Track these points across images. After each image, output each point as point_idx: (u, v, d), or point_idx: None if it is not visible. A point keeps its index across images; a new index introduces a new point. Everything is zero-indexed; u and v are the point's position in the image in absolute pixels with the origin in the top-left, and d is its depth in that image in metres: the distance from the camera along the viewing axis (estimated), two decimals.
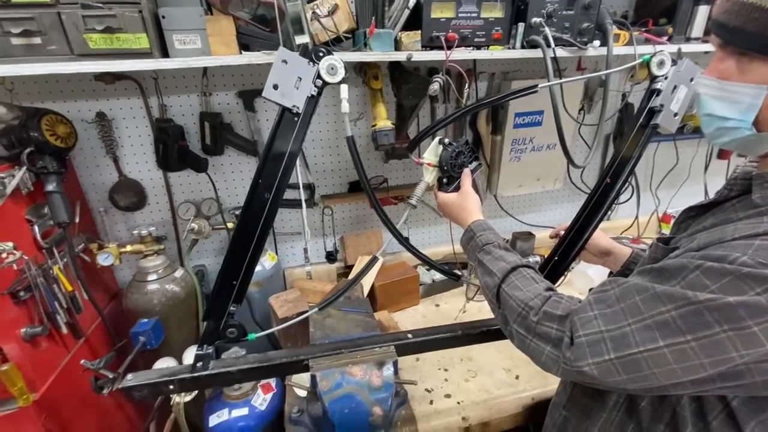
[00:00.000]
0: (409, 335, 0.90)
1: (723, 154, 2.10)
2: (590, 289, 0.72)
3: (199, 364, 0.82)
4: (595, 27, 1.27)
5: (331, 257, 1.59)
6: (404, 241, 0.92)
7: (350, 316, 1.11)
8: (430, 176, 0.98)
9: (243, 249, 0.81)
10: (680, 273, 0.55)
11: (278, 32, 1.04)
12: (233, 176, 1.53)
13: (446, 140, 0.95)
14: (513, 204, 1.92)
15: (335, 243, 1.62)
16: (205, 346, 0.87)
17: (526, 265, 0.77)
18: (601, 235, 1.02)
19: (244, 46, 1.13)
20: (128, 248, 1.34)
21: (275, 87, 0.75)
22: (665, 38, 1.42)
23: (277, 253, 1.64)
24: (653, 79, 0.93)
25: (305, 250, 1.69)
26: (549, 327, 0.65)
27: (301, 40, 1.03)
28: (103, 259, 1.28)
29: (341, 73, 0.79)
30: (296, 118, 0.78)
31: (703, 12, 1.40)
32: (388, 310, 1.50)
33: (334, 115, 1.54)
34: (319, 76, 0.78)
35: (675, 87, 0.92)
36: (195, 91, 1.38)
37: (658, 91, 0.92)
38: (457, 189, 0.96)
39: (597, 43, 1.28)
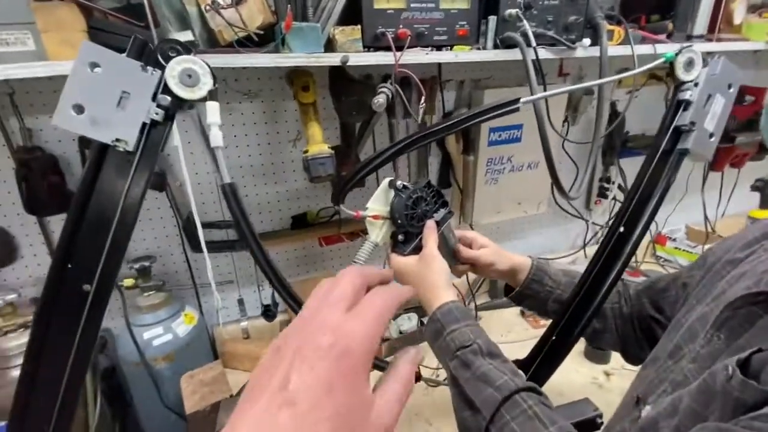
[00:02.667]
0: None
1: (716, 165, 1.88)
2: None
3: None
4: (584, 21, 1.01)
5: (268, 312, 1.27)
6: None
7: None
8: (377, 233, 0.71)
9: (50, 381, 0.48)
10: None
11: (151, 28, 0.73)
12: None
13: (399, 182, 0.69)
14: (491, 232, 1.64)
15: (274, 294, 1.30)
16: None
17: (527, 388, 0.48)
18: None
19: (117, 49, 0.81)
20: None
21: (78, 109, 0.43)
22: (664, 36, 1.18)
23: (201, 310, 1.30)
24: (678, 86, 0.67)
25: (240, 301, 1.37)
26: None
27: (182, 38, 0.72)
28: None
29: (206, 84, 0.48)
30: (131, 158, 0.47)
31: (706, 5, 1.17)
32: None
33: (267, 135, 1.23)
34: (166, 89, 0.47)
35: (709, 96, 0.66)
36: None
37: (687, 103, 0.65)
38: (417, 249, 0.69)
39: (587, 41, 1.02)
